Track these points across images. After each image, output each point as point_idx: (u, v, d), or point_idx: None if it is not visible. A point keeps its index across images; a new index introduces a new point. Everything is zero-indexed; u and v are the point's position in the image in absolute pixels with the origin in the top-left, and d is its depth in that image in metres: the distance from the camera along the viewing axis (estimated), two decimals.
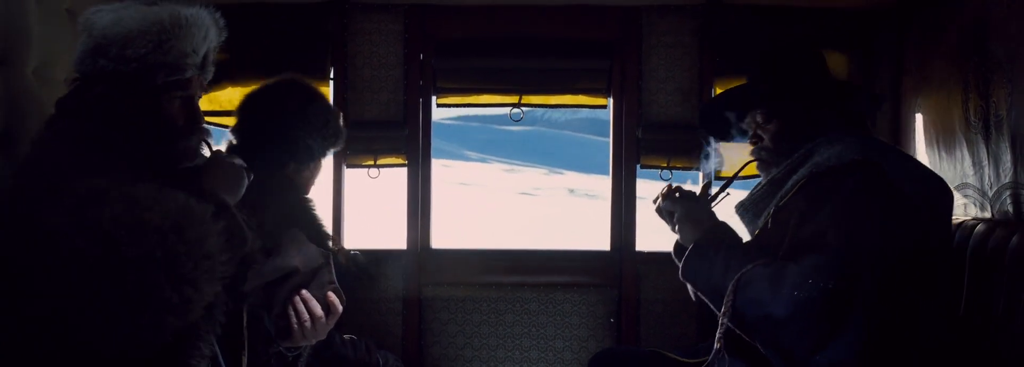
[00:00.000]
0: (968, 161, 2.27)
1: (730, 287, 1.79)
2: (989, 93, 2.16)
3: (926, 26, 2.61)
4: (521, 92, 3.09)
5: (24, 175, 1.52)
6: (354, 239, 3.05)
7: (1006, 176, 2.08)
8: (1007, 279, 1.85)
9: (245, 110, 2.33)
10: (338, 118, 2.39)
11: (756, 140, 2.09)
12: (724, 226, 1.98)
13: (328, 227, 2.40)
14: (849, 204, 1.77)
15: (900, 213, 1.77)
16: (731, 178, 2.15)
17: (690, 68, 3.02)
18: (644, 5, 3.00)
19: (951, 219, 1.97)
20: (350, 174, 3.06)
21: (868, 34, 2.92)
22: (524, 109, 3.15)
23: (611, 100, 3.08)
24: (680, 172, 2.97)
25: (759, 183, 2.11)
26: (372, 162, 3.02)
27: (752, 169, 2.16)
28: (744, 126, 2.13)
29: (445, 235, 3.32)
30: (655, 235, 2.87)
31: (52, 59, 1.97)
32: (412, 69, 3.03)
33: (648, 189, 3.05)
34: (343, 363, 2.40)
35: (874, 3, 2.86)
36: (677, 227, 2.03)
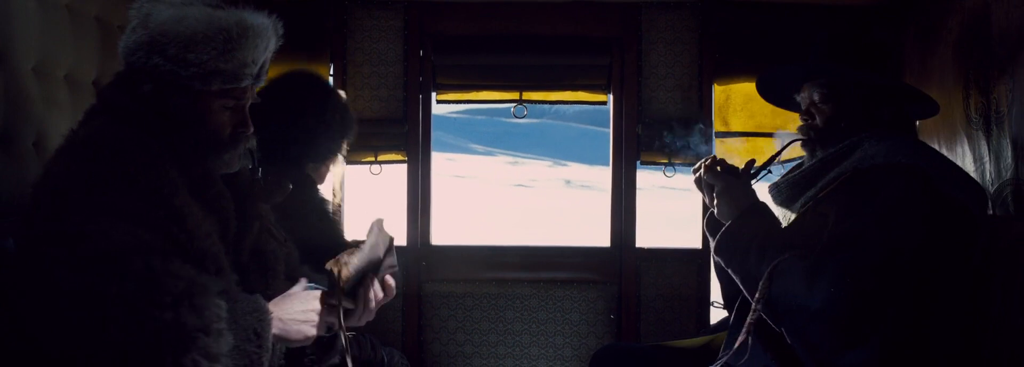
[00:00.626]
0: (969, 157, 2.27)
1: (765, 275, 1.77)
2: (990, 89, 2.16)
3: (925, 21, 2.60)
4: (521, 89, 3.09)
5: (54, 178, 1.45)
6: (355, 235, 3.04)
7: (1007, 172, 2.08)
8: (1008, 275, 1.84)
9: (261, 106, 2.30)
10: (349, 110, 2.38)
11: (807, 117, 2.05)
12: (763, 207, 1.96)
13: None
14: (895, 206, 1.75)
15: (943, 220, 1.75)
16: (774, 156, 2.10)
17: (690, 64, 3.02)
18: (644, 2, 3.00)
19: (987, 226, 1.95)
20: (350, 170, 3.06)
21: (867, 30, 2.92)
22: (531, 104, 3.14)
23: (611, 97, 3.08)
24: (683, 167, 2.97)
25: (797, 166, 2.09)
26: (373, 158, 3.02)
27: (792, 151, 2.13)
28: (799, 99, 2.10)
29: (438, 229, 3.30)
30: (654, 231, 2.88)
31: (51, 56, 1.96)
32: (412, 65, 3.03)
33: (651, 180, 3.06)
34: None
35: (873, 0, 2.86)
36: (715, 201, 2.00)
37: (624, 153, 3.04)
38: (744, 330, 1.81)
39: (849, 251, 1.71)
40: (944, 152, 2.40)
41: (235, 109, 1.61)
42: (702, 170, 2.04)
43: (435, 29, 3.03)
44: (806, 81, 2.06)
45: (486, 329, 3.06)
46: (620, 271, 3.05)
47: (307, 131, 2.22)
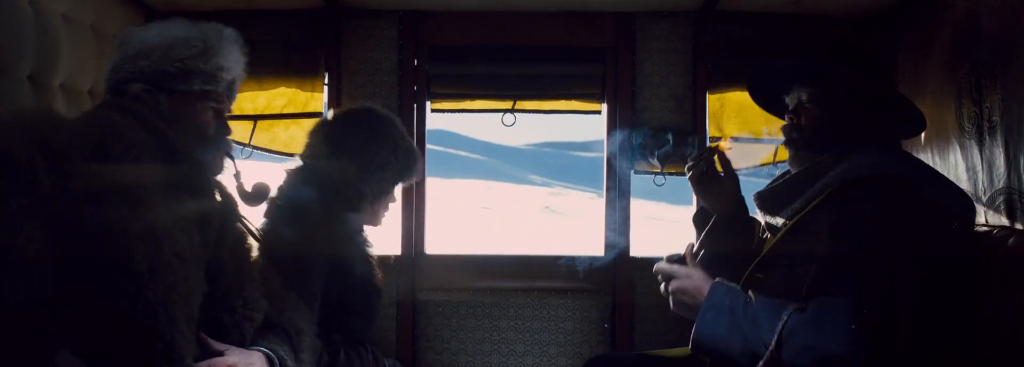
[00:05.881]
0: (962, 166, 2.28)
1: (773, 343, 1.71)
2: (982, 99, 2.17)
3: (918, 32, 2.62)
4: (515, 98, 3.10)
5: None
6: None
7: (999, 181, 2.09)
8: (1001, 284, 1.85)
9: (328, 141, 2.33)
10: (414, 152, 2.41)
11: (793, 117, 2.01)
12: (722, 287, 1.92)
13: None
14: (887, 222, 1.72)
15: (939, 231, 1.74)
16: (705, 235, 2.11)
17: (683, 74, 3.04)
18: (637, 11, 3.01)
19: (970, 233, 1.93)
20: None
21: (861, 41, 2.93)
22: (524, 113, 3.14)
23: (605, 106, 3.09)
24: (673, 177, 2.97)
25: (784, 175, 2.05)
26: None
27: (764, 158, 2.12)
28: (788, 100, 2.05)
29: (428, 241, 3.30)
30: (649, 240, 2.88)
31: (47, 66, 1.96)
32: (406, 75, 3.03)
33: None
34: None
35: (866, 10, 2.87)
36: (671, 300, 2.00)
37: (618, 162, 3.04)
38: None
39: (853, 282, 1.67)
40: (937, 161, 2.41)
41: (216, 112, 1.71)
42: (661, 283, 2.04)
43: (429, 39, 3.04)
44: (796, 82, 2.03)
45: (480, 338, 3.05)
46: (615, 280, 3.05)
47: (367, 168, 2.28)
